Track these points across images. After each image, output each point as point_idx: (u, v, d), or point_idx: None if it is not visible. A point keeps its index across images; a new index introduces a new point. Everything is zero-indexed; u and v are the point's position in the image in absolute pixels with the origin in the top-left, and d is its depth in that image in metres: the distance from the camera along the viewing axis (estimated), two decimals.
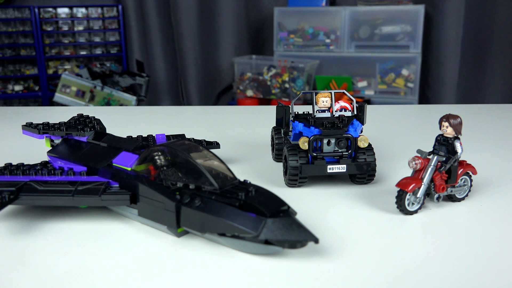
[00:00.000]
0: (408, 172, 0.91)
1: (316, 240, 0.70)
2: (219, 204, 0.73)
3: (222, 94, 4.65)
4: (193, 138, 1.18)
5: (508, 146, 1.37)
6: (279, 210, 0.73)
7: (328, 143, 1.00)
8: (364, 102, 2.20)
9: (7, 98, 4.69)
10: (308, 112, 1.13)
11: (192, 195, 0.76)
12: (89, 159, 0.94)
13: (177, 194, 0.77)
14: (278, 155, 1.21)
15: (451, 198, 0.94)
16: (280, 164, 1.19)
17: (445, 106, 2.55)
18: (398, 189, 0.88)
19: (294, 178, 1.01)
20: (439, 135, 0.91)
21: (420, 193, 0.88)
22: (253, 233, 0.70)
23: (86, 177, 0.89)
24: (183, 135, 1.22)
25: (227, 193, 0.75)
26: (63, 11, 4.67)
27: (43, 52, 4.62)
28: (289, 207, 0.75)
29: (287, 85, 3.91)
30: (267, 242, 0.71)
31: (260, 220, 0.70)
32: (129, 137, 1.16)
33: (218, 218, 0.72)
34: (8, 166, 0.94)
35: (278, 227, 0.70)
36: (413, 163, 0.88)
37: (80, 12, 4.70)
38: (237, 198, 0.73)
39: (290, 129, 1.08)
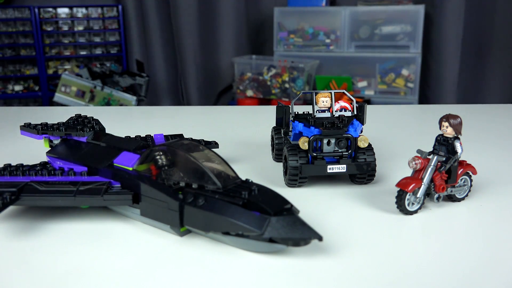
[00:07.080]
0: (408, 172, 0.92)
1: (320, 238, 0.70)
2: (223, 203, 0.73)
3: (222, 94, 4.65)
4: (191, 138, 1.18)
5: (508, 146, 1.37)
6: (282, 208, 0.73)
7: (328, 143, 1.00)
8: (364, 102, 2.20)
9: (7, 98, 4.69)
10: (308, 112, 1.13)
11: (195, 194, 0.76)
12: (90, 159, 0.94)
13: (180, 193, 0.77)
14: (278, 155, 1.21)
15: (451, 198, 0.95)
16: (280, 164, 1.19)
17: (445, 106, 2.55)
18: (398, 189, 0.88)
19: (294, 178, 1.01)
20: (439, 135, 0.91)
21: (420, 193, 0.88)
22: (258, 232, 0.70)
23: (87, 177, 0.89)
24: (181, 135, 1.22)
25: (230, 192, 0.75)
26: (63, 11, 4.67)
27: (43, 52, 4.62)
28: (292, 205, 0.75)
29: (287, 85, 3.91)
30: (270, 240, 0.71)
31: (265, 219, 0.71)
32: (127, 137, 1.16)
33: (222, 217, 0.72)
34: (8, 166, 0.94)
35: (282, 225, 0.70)
36: (413, 163, 0.88)
37: (80, 12, 4.70)
38: (240, 197, 0.74)
39: (290, 129, 1.08)
